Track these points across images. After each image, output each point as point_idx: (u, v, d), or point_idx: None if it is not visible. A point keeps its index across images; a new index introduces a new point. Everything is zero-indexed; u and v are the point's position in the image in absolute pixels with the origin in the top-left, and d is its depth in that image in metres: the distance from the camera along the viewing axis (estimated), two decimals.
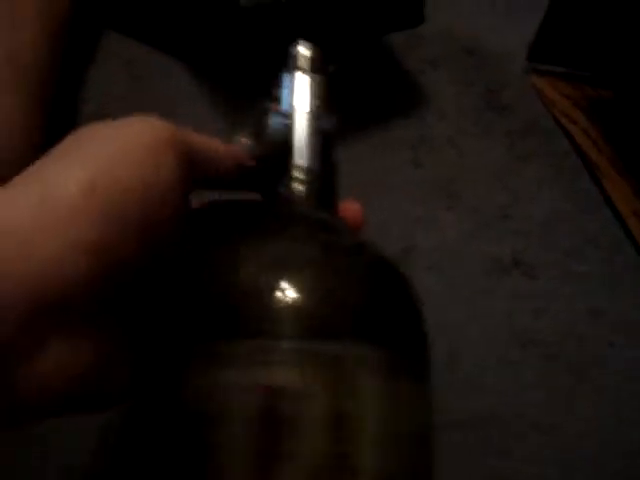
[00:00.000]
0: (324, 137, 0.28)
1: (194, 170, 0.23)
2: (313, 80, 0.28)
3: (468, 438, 0.35)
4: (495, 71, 0.53)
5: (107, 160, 0.20)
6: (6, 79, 0.36)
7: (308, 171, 0.27)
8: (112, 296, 0.20)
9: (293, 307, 0.21)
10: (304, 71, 0.28)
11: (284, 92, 0.28)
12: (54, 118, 0.40)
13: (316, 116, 0.28)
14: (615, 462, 0.36)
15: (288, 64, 0.28)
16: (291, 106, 0.27)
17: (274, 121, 0.27)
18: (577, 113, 0.51)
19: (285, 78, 0.28)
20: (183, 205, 0.22)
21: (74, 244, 0.19)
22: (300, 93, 0.28)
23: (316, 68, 0.29)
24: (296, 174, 0.26)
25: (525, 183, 0.47)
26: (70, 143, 0.22)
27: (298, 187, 0.26)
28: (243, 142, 0.27)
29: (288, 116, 0.27)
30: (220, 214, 0.26)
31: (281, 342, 0.20)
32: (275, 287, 0.21)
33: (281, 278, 0.21)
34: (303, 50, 0.29)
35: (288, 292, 0.21)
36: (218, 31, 0.43)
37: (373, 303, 0.22)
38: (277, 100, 0.28)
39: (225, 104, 0.47)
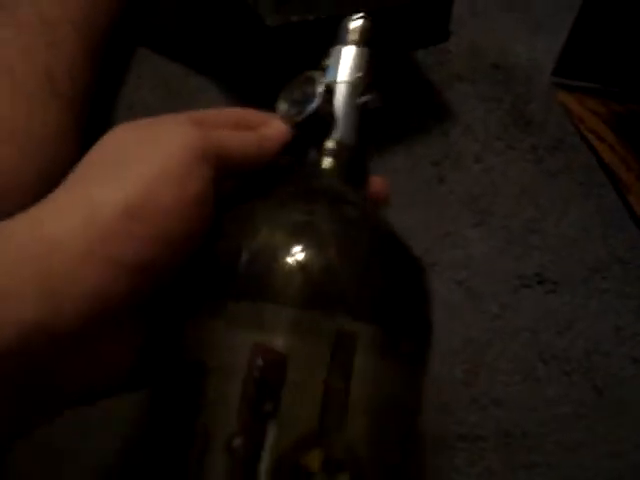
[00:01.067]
0: (363, 111, 0.28)
1: (229, 171, 0.24)
2: (360, 53, 0.29)
3: (490, 453, 0.36)
4: (522, 86, 0.53)
5: (149, 181, 0.22)
6: (44, 98, 0.37)
7: (339, 144, 0.27)
8: (146, 302, 0.22)
9: (296, 275, 0.22)
10: (353, 43, 0.29)
11: (331, 63, 0.29)
12: (88, 134, 0.41)
13: (357, 89, 0.28)
14: None
15: (339, 35, 0.29)
16: (335, 77, 0.28)
17: (317, 91, 0.27)
18: (604, 129, 0.51)
19: (334, 49, 0.29)
20: (215, 207, 0.24)
21: (118, 265, 0.20)
22: (345, 65, 0.28)
23: (365, 41, 0.29)
24: (329, 145, 0.27)
25: (551, 199, 0.47)
26: (111, 154, 0.24)
27: (327, 159, 0.27)
28: (283, 110, 0.28)
29: (330, 87, 0.28)
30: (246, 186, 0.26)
31: (280, 308, 0.21)
32: (280, 255, 0.22)
33: (287, 246, 0.22)
34: (355, 22, 0.29)
35: (292, 260, 0.22)
36: (247, 50, 0.44)
37: (374, 281, 0.23)
38: (324, 70, 0.29)
39: None
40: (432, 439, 0.36)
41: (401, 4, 0.44)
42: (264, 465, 0.20)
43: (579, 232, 0.46)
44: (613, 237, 0.46)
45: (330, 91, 0.28)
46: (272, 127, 0.28)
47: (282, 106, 0.28)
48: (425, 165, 0.47)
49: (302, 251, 0.22)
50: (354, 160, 0.28)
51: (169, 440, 0.22)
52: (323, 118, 0.27)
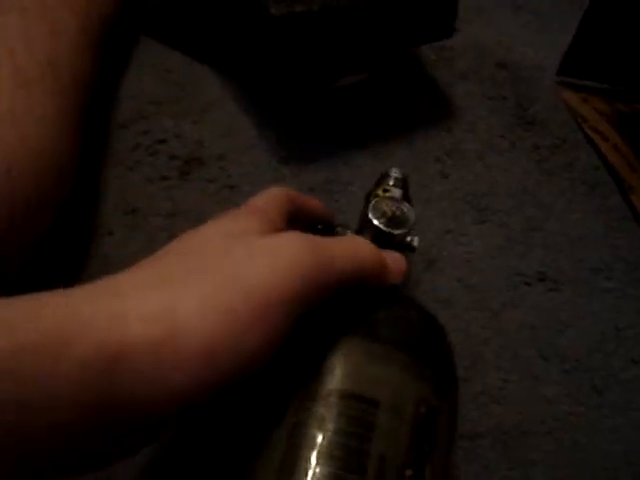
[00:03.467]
0: None
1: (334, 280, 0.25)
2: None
3: (489, 450, 0.35)
4: (526, 85, 0.53)
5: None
6: (45, 85, 0.37)
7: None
8: None
9: None
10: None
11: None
12: (89, 122, 0.41)
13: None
14: None
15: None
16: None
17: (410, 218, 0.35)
18: (608, 129, 0.50)
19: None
20: None
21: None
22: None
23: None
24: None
25: (554, 198, 0.47)
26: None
27: None
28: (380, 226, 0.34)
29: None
30: None
31: None
32: None
33: None
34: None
35: None
36: (251, 40, 0.44)
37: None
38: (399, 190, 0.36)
39: (259, 111, 0.47)
40: None
41: None
42: None
43: (581, 231, 0.45)
44: (615, 237, 0.45)
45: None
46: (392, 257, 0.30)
47: (379, 224, 0.34)
48: (429, 161, 0.47)
49: None
50: None
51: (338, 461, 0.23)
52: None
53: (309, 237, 0.25)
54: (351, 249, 0.27)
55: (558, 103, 0.52)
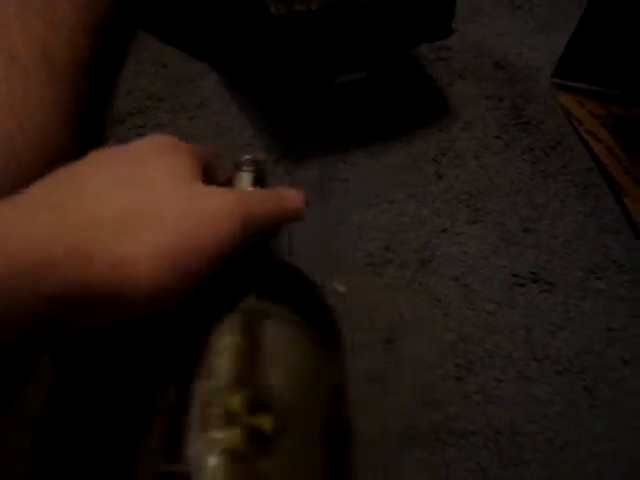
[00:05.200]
0: None
1: (252, 233, 0.28)
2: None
3: (482, 448, 0.36)
4: (522, 86, 0.53)
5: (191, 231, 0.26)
6: (43, 76, 0.37)
7: None
8: None
9: None
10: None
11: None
12: (87, 115, 0.41)
13: None
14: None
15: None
16: None
17: None
18: (602, 131, 0.51)
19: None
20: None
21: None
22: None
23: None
24: None
25: (548, 199, 0.47)
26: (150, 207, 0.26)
27: None
28: None
29: None
30: None
31: None
32: None
33: None
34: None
35: None
36: (250, 38, 0.44)
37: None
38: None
39: (255, 109, 0.48)
40: (423, 433, 0.36)
41: None
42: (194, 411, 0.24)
43: (574, 233, 0.46)
44: (608, 239, 0.46)
45: None
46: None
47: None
48: (425, 161, 0.47)
49: None
50: None
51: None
52: None
53: (240, 198, 0.28)
54: (271, 206, 0.31)
55: (554, 105, 0.53)
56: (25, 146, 0.33)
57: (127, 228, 0.24)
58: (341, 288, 0.40)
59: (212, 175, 0.32)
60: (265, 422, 0.24)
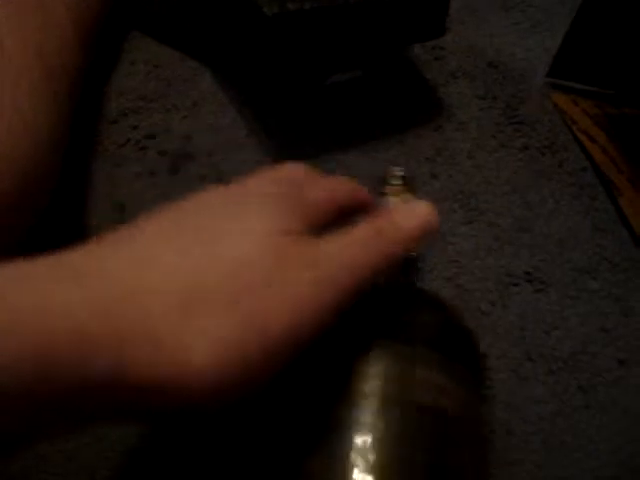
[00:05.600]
0: None
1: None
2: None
3: None
4: (517, 86, 0.53)
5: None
6: (35, 78, 0.36)
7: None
8: None
9: None
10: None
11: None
12: (78, 117, 0.41)
13: None
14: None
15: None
16: None
17: None
18: (596, 131, 0.51)
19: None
20: None
21: None
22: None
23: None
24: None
25: (542, 199, 0.47)
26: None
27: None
28: None
29: None
30: None
31: None
32: None
33: None
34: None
35: None
36: (243, 38, 0.44)
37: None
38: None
39: (249, 109, 0.47)
40: None
41: None
42: None
43: (569, 232, 0.46)
44: (603, 238, 0.46)
45: None
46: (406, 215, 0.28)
47: None
48: (419, 160, 0.47)
49: None
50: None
51: None
52: None
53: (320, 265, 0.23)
54: (358, 258, 0.25)
55: (548, 104, 0.53)
56: (13, 146, 0.32)
57: (187, 301, 0.21)
58: None
59: (366, 210, 0.29)
60: None
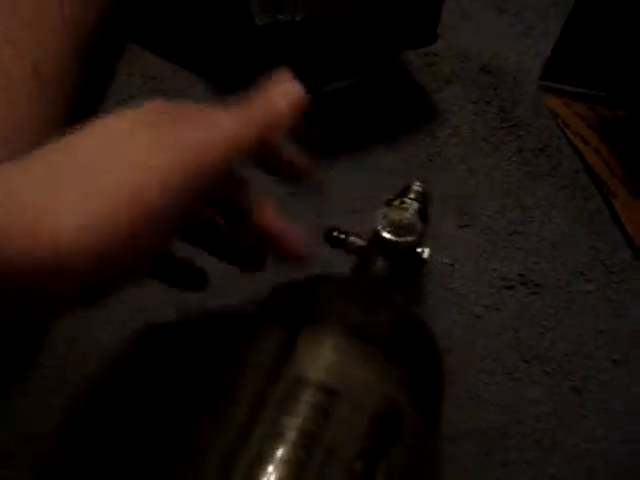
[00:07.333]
0: None
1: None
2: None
3: (470, 450, 0.36)
4: (509, 90, 0.54)
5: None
6: (31, 91, 0.37)
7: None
8: None
9: None
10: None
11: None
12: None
13: None
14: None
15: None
16: None
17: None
18: (590, 133, 0.51)
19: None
20: None
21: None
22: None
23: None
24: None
25: (536, 202, 0.48)
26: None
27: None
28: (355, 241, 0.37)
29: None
30: None
31: None
32: None
33: None
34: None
35: None
36: (236, 49, 0.45)
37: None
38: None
39: None
40: None
41: (389, 4, 0.44)
42: None
43: (563, 235, 0.46)
44: (596, 240, 0.46)
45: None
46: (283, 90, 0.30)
47: (381, 230, 0.36)
48: (413, 165, 0.48)
49: None
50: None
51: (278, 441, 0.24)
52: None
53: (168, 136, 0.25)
54: (218, 138, 0.26)
55: (541, 108, 0.53)
56: (8, 157, 0.33)
57: (55, 182, 0.22)
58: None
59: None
60: None
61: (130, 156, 0.24)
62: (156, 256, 0.25)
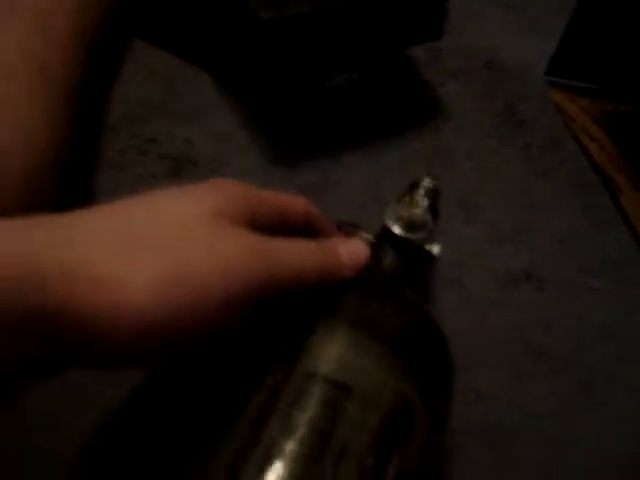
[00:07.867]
0: None
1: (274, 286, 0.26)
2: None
3: (475, 446, 0.36)
4: (515, 85, 0.54)
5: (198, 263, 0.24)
6: (37, 91, 0.37)
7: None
8: None
9: None
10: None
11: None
12: (81, 130, 0.41)
13: None
14: (622, 476, 0.36)
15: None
16: None
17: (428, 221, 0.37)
18: (595, 129, 0.51)
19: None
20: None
21: None
22: None
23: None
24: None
25: (542, 198, 0.47)
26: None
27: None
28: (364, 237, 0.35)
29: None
30: None
31: None
32: None
33: None
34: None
35: None
36: (241, 43, 0.44)
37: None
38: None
39: (250, 114, 0.48)
40: None
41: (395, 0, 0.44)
42: None
43: (569, 230, 0.46)
44: (603, 236, 0.46)
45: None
46: (350, 249, 0.31)
47: (391, 227, 0.35)
48: (418, 161, 0.48)
49: None
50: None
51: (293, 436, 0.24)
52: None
53: (256, 243, 0.26)
54: (295, 257, 0.27)
55: (546, 103, 0.53)
56: (15, 150, 0.33)
57: (129, 250, 0.23)
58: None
59: (314, 227, 0.31)
60: None
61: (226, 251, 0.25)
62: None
